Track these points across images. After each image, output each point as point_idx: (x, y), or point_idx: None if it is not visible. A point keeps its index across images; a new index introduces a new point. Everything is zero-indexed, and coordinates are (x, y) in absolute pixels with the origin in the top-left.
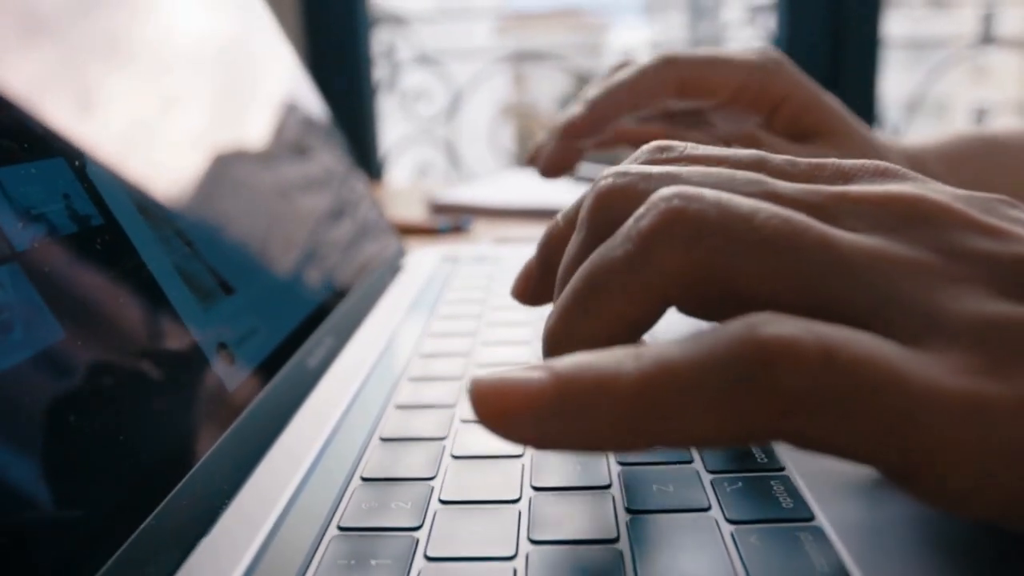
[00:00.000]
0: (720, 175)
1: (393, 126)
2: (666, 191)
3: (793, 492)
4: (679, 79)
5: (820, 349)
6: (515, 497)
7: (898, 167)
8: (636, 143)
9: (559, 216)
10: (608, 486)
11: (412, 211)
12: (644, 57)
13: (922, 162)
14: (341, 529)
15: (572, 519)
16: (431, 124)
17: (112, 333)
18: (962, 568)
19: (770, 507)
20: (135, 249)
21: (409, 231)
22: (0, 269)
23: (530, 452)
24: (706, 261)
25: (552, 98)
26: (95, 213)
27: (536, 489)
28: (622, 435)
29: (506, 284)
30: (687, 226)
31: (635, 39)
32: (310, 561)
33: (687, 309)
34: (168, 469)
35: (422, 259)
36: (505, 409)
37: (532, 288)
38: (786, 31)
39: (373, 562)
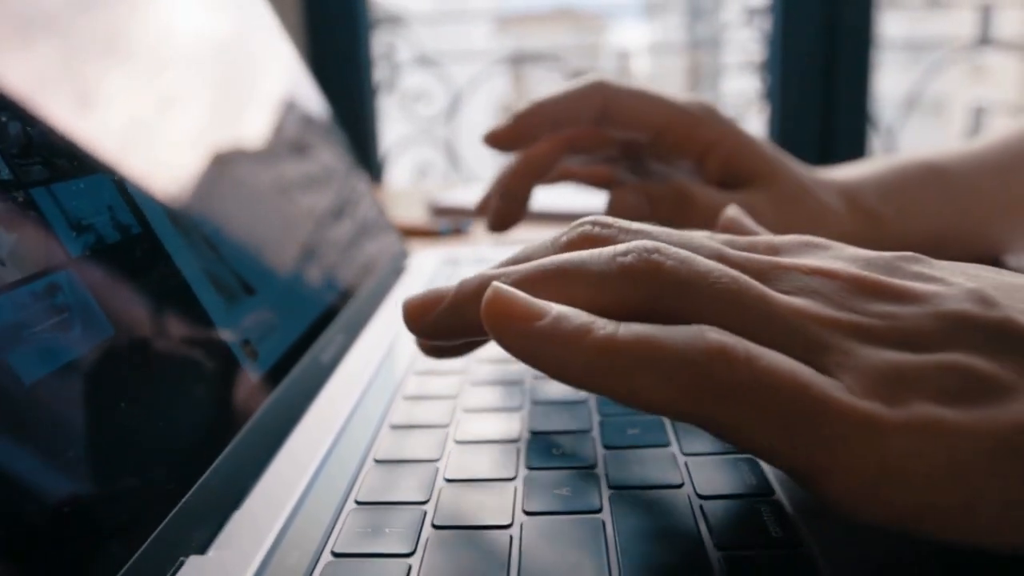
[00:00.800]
0: (682, 237)
1: (393, 127)
2: (649, 243)
3: (757, 471)
4: (603, 103)
5: (745, 354)
6: (511, 476)
7: (820, 239)
8: (581, 182)
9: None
10: (593, 466)
11: (412, 213)
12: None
13: (858, 193)
14: (358, 503)
15: (561, 494)
16: (431, 124)
17: (153, 331)
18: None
19: (736, 484)
20: (169, 255)
21: (410, 233)
22: (59, 274)
23: (525, 438)
24: (668, 306)
25: None
26: (135, 223)
27: (530, 468)
28: (583, 374)
29: None
30: (661, 278)
31: (633, 39)
32: (331, 530)
33: None
34: (203, 451)
35: (424, 261)
36: (506, 316)
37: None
38: (781, 31)
39: (387, 530)
